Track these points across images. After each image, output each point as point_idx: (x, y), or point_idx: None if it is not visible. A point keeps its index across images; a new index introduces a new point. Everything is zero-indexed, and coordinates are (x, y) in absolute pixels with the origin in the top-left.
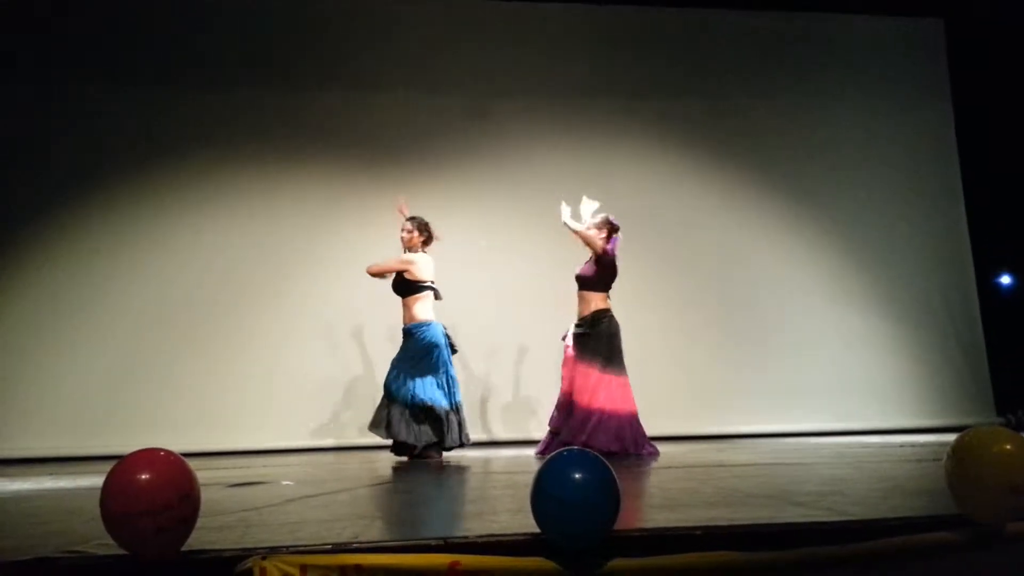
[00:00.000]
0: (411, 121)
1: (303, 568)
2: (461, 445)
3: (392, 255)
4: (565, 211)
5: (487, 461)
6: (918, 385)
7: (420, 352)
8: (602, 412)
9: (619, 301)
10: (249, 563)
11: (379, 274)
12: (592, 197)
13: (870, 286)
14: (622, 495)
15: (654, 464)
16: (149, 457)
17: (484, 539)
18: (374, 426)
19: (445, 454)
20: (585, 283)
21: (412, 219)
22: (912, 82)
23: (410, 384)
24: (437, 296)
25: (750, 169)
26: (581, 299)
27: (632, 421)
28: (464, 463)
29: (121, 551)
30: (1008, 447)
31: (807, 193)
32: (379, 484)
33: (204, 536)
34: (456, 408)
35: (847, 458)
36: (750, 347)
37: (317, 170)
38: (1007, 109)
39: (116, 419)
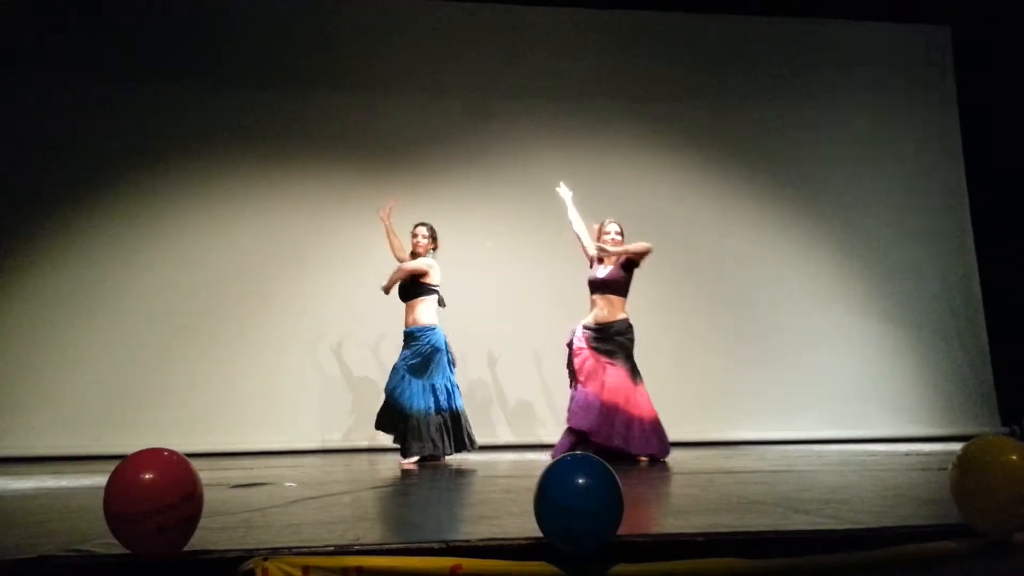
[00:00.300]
0: (417, 123)
1: (305, 569)
2: (467, 449)
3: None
4: (567, 194)
5: (490, 465)
6: (923, 394)
7: (424, 355)
8: (642, 419)
9: None
10: (251, 564)
11: (397, 281)
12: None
13: (875, 293)
14: (625, 501)
15: (658, 470)
16: (153, 457)
17: (486, 543)
18: (383, 428)
19: (447, 458)
20: (613, 287)
21: (425, 224)
22: (918, 89)
23: (414, 388)
24: (441, 303)
25: (756, 174)
26: (607, 303)
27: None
28: (467, 467)
29: (124, 550)
30: (1014, 457)
31: (812, 198)
32: (381, 487)
33: (207, 536)
34: (458, 413)
35: (852, 466)
36: (754, 353)
37: (322, 172)
38: (1013, 115)
39: (119, 419)
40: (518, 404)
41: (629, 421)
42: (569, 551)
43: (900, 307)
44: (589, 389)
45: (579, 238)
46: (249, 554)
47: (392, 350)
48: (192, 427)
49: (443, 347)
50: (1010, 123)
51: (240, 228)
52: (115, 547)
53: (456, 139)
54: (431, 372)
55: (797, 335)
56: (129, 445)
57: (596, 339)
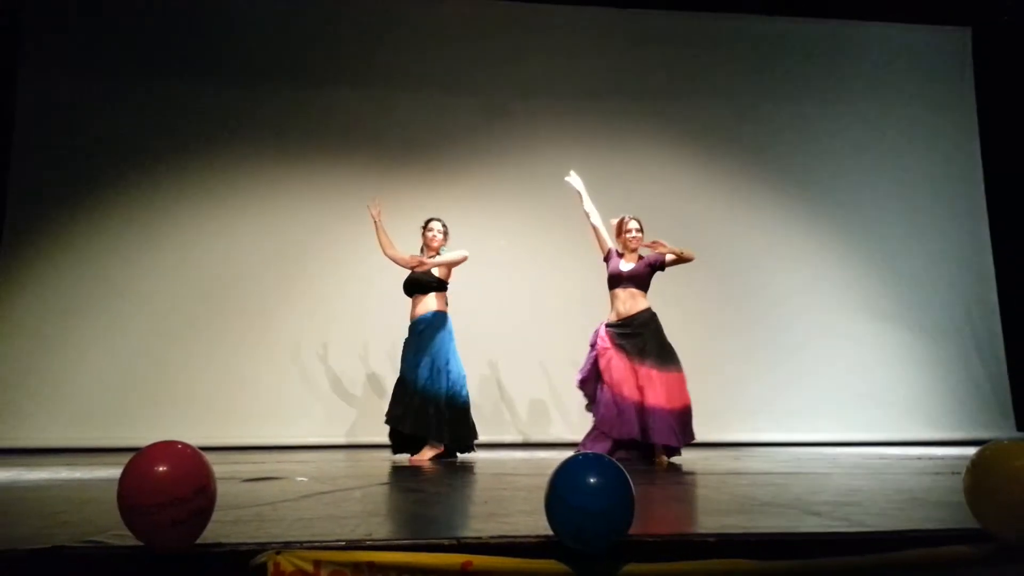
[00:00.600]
0: (432, 120)
1: (316, 563)
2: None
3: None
4: (579, 184)
5: (500, 462)
6: (937, 397)
7: (433, 340)
8: (672, 410)
9: None
10: (263, 557)
11: (445, 266)
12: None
13: (891, 296)
14: (636, 501)
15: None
16: (167, 450)
17: (497, 540)
18: (417, 430)
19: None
20: (636, 281)
21: (439, 220)
22: (938, 91)
23: (432, 376)
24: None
25: (773, 176)
26: (630, 296)
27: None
28: (477, 464)
29: (137, 542)
30: None
31: (828, 201)
32: (392, 482)
33: (219, 529)
34: (467, 407)
35: (865, 469)
36: (768, 355)
37: (335, 168)
38: None
39: (132, 412)
40: (529, 402)
41: (659, 416)
42: (580, 550)
43: (915, 310)
44: (618, 392)
45: (596, 231)
46: (261, 548)
47: (401, 346)
48: (204, 421)
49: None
50: None
51: (253, 224)
52: (128, 539)
53: (470, 137)
54: (451, 357)
55: (811, 338)
56: (142, 438)
57: (621, 335)
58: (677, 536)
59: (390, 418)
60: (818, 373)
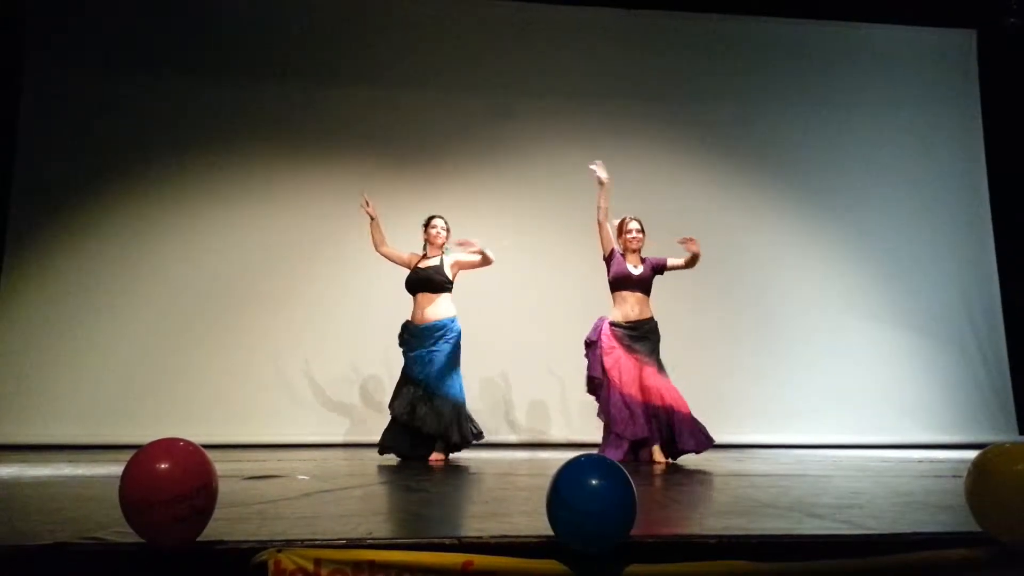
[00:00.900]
0: (435, 120)
1: (317, 562)
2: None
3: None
4: (604, 175)
5: (502, 462)
6: (939, 400)
7: (455, 346)
8: (683, 412)
9: None
10: (264, 555)
11: (477, 265)
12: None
13: (894, 298)
14: (638, 502)
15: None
16: (169, 447)
17: (498, 540)
18: (438, 433)
19: (459, 454)
20: (644, 285)
21: (441, 217)
22: (942, 94)
23: (453, 380)
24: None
25: (774, 177)
26: (639, 300)
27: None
28: (479, 464)
29: (138, 539)
30: None
31: (832, 203)
32: (393, 481)
33: (221, 527)
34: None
35: (866, 471)
36: (768, 357)
37: (339, 168)
38: None
39: (134, 409)
40: (531, 403)
41: (671, 418)
42: (581, 551)
43: (918, 313)
44: (628, 393)
45: (602, 228)
46: (262, 545)
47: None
48: (206, 418)
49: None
50: None
51: (255, 221)
52: (130, 536)
53: (473, 137)
54: (458, 362)
55: (813, 339)
56: (144, 435)
57: (631, 337)
58: (678, 537)
59: (413, 419)
60: (820, 376)
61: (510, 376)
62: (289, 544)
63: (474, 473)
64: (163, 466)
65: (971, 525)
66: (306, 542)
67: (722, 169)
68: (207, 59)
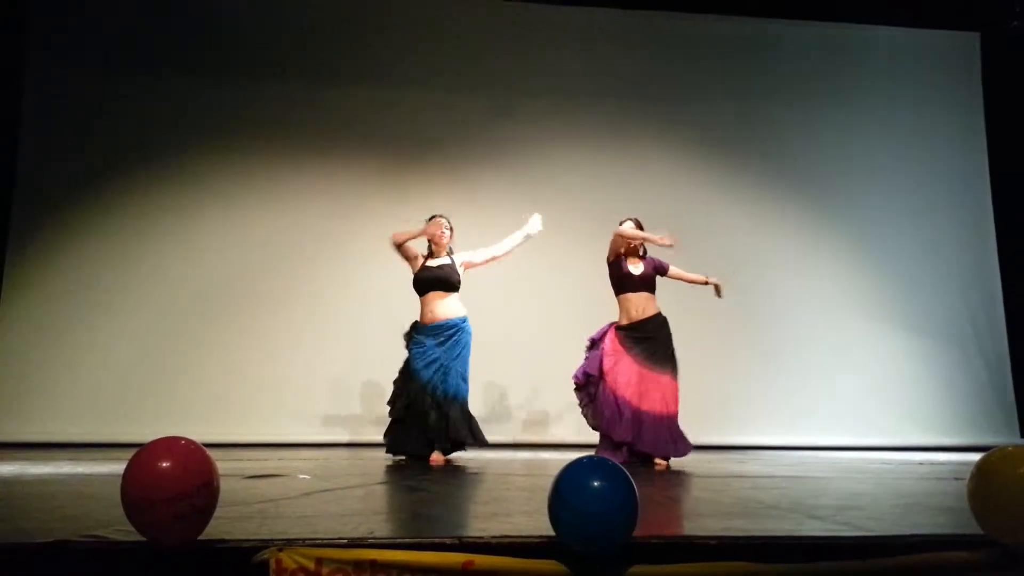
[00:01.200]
0: (436, 120)
1: (318, 561)
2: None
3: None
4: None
5: (503, 463)
6: (941, 403)
7: (466, 346)
8: (670, 417)
9: None
10: (266, 554)
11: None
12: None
13: (896, 300)
14: (640, 504)
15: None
16: (171, 445)
17: (499, 540)
18: (458, 438)
19: (460, 454)
20: (648, 284)
21: (444, 216)
22: (946, 97)
23: (462, 381)
24: None
25: (778, 179)
26: (643, 301)
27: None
28: (480, 464)
29: (140, 537)
30: None
31: (835, 204)
32: (394, 481)
33: (222, 526)
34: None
35: (867, 473)
36: (771, 359)
37: (339, 168)
38: None
39: (136, 407)
40: (532, 403)
41: (657, 424)
42: (583, 552)
43: (919, 315)
44: (621, 396)
45: (618, 238)
46: (264, 544)
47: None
48: (207, 417)
49: None
50: None
51: (259, 221)
52: (132, 534)
53: (475, 137)
54: (467, 362)
55: (815, 341)
56: (145, 433)
57: (634, 339)
58: (679, 538)
59: (418, 419)
60: (821, 377)
61: (510, 376)
62: (290, 543)
63: (475, 473)
64: (164, 464)
65: (972, 527)
66: (307, 541)
67: (722, 170)
68: (207, 59)
